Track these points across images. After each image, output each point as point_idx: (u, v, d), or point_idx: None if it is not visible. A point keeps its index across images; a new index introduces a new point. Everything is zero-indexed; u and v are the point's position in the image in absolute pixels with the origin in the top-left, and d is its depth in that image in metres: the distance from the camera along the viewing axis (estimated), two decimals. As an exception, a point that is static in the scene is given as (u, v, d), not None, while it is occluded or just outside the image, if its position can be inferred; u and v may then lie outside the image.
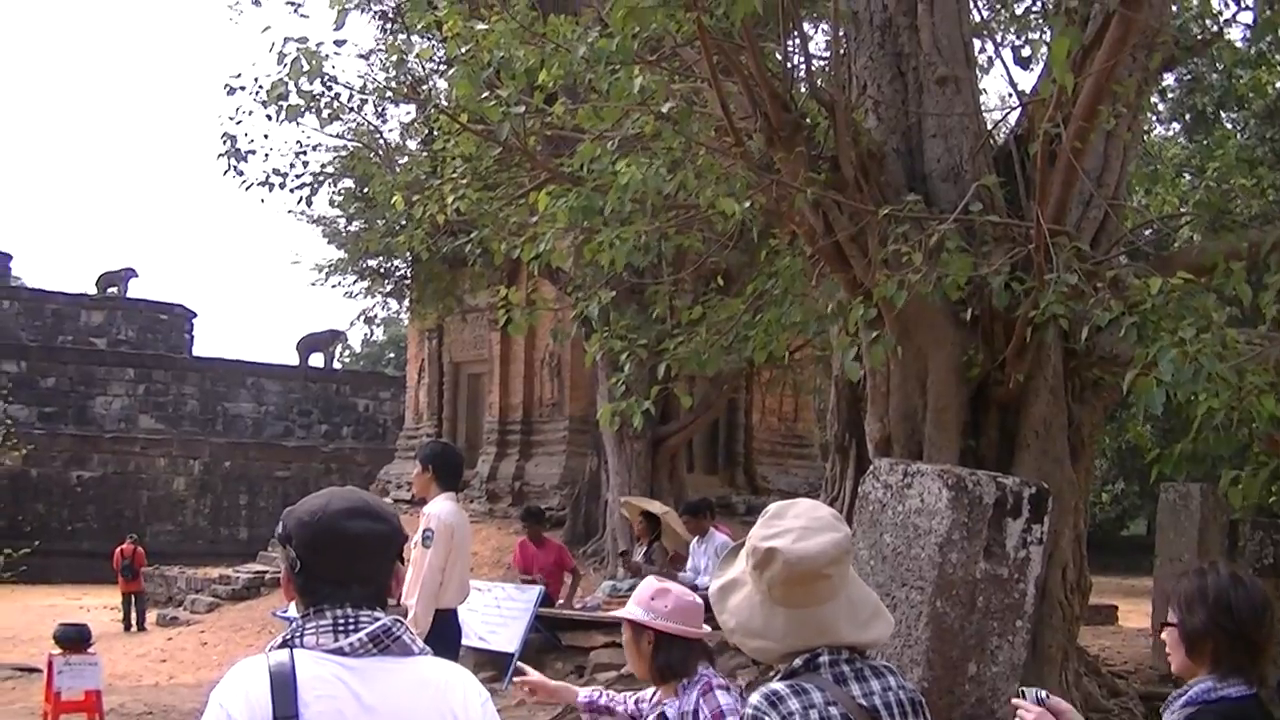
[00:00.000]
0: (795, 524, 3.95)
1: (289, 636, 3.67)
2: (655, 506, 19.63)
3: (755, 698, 3.83)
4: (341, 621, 3.65)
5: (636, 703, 6.58)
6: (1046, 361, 11.61)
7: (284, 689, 3.52)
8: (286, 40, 12.00)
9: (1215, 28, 14.16)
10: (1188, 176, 24.68)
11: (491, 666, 19.05)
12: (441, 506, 10.60)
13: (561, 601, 20.87)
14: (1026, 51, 12.98)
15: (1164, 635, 4.84)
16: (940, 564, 6.65)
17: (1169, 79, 23.28)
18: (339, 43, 11.98)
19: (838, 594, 3.96)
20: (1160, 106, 28.65)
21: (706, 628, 6.09)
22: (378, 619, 3.68)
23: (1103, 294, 9.81)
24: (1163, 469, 10.88)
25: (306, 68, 11.90)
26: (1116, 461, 43.27)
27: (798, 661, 3.92)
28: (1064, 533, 12.12)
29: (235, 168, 15.88)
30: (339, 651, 3.61)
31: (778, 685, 3.86)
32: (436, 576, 10.45)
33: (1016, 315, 10.47)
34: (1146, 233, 14.33)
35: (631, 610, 6.22)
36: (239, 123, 15.11)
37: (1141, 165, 13.80)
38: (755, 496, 31.51)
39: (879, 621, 4.07)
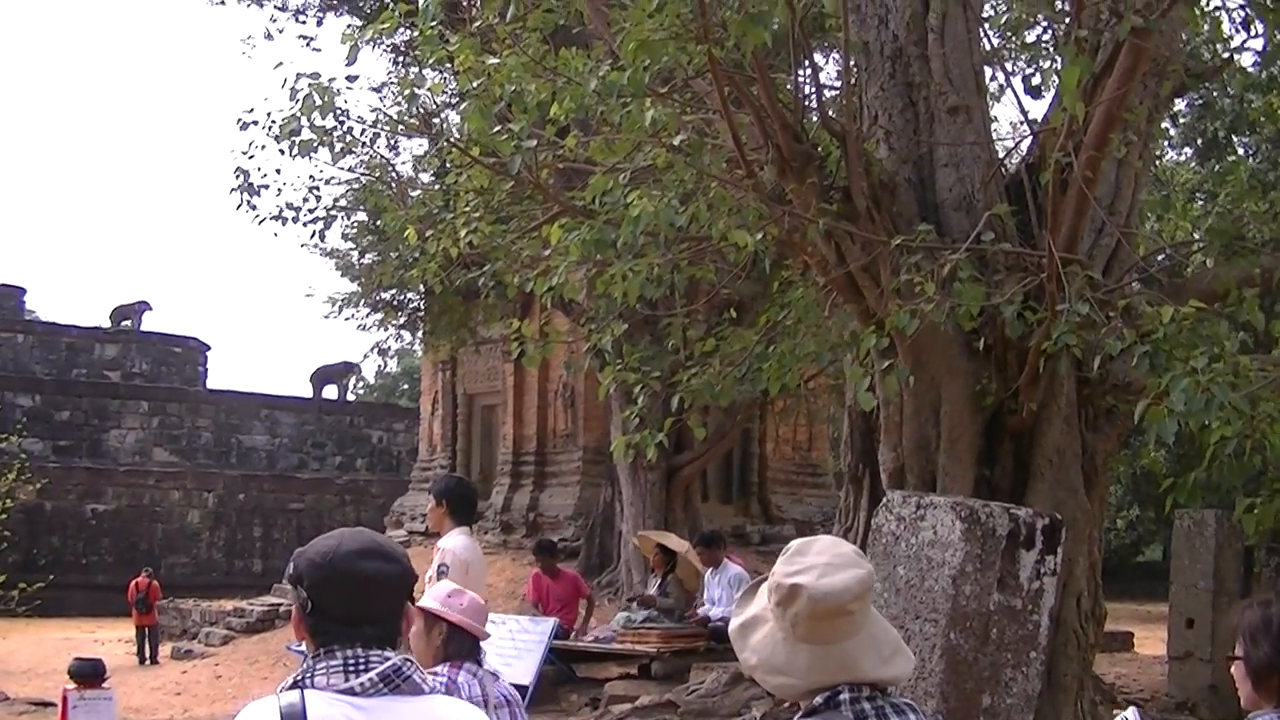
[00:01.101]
0: (819, 560, 3.94)
1: (300, 677, 3.69)
2: (673, 542, 19.67)
3: None
4: (352, 662, 3.66)
5: None
6: (1060, 390, 11.60)
7: None
8: (299, 76, 12.05)
9: (1226, 54, 14.18)
10: (1200, 201, 24.66)
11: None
12: (455, 541, 10.60)
13: (578, 628, 20.90)
14: (1037, 80, 12.96)
15: (1232, 669, 4.79)
16: (954, 596, 6.65)
17: (1181, 104, 23.28)
18: (351, 78, 12.04)
19: (860, 630, 3.94)
20: (1172, 132, 28.66)
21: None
22: (388, 658, 3.69)
23: (1115, 323, 9.79)
24: (1177, 498, 10.87)
25: (319, 103, 11.94)
26: (1131, 488, 43.18)
27: (818, 700, 3.90)
28: (1079, 561, 12.10)
29: (248, 202, 15.91)
30: (350, 691, 3.62)
31: None
32: None
33: (1029, 344, 10.47)
34: (1160, 259, 14.29)
35: (429, 603, 7.04)
36: (251, 157, 15.15)
37: (1153, 192, 13.76)
38: (769, 526, 31.51)
39: (901, 658, 4.05)
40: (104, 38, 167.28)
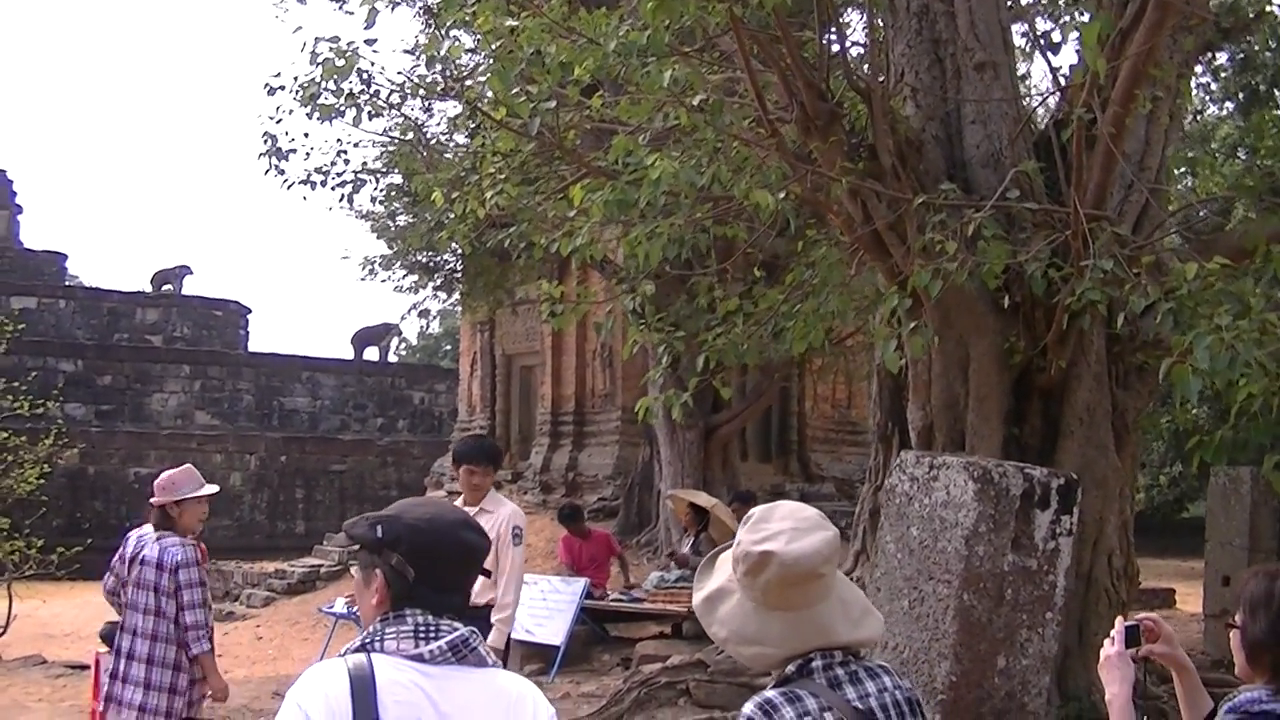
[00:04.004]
0: (784, 525, 3.91)
1: (368, 641, 3.68)
2: (703, 499, 19.65)
3: (748, 707, 3.79)
4: (423, 629, 3.68)
5: None
6: (1089, 348, 11.54)
7: (364, 693, 3.53)
8: (318, 40, 12.04)
9: (1263, 6, 14.06)
10: (1243, 156, 24.45)
11: (539, 659, 19.10)
12: (511, 504, 10.81)
13: (623, 586, 20.95)
14: (1057, 36, 12.88)
15: (1230, 636, 4.73)
16: (967, 557, 6.60)
17: (1222, 58, 23.11)
18: (370, 41, 11.96)
19: (830, 594, 3.92)
20: (1213, 86, 28.45)
21: None
22: (456, 628, 3.72)
23: (1141, 279, 9.70)
24: (1204, 455, 10.79)
25: (340, 66, 11.93)
26: (1173, 444, 42.90)
27: (790, 668, 3.87)
28: (1109, 519, 12.05)
29: (276, 166, 15.94)
30: (418, 658, 3.63)
31: (771, 694, 3.81)
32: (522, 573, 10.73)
33: (1056, 302, 10.39)
34: (1201, 214, 14.18)
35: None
36: (279, 122, 15.17)
37: (1182, 148, 13.63)
38: (809, 484, 31.50)
39: (871, 619, 4.02)
40: (143, 2, 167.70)
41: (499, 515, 10.82)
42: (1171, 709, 4.91)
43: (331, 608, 24.17)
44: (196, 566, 10.20)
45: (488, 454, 11.32)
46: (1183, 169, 17.04)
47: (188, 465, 10.91)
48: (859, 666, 3.92)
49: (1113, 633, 4.69)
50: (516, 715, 3.74)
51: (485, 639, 8.94)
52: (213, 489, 10.56)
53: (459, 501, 10.39)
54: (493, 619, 10.88)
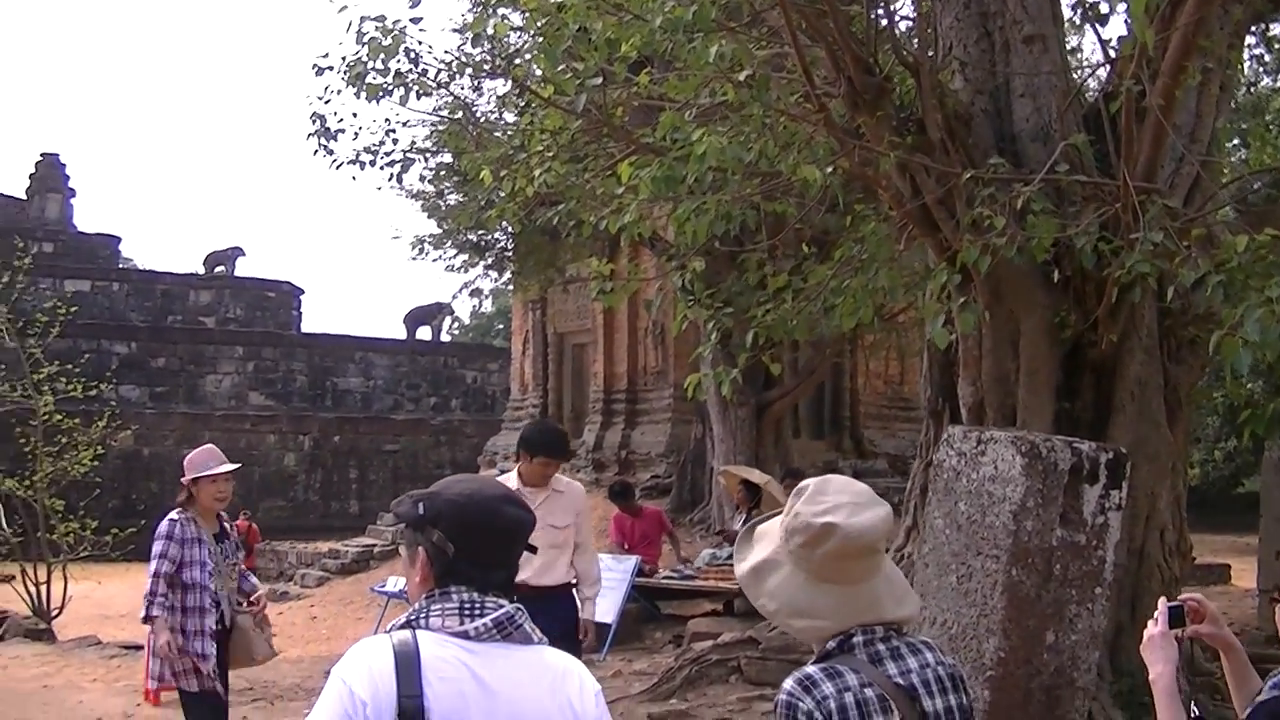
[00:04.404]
0: (843, 499, 3.89)
1: (413, 617, 3.69)
2: (755, 475, 19.61)
3: (788, 683, 3.77)
4: (469, 605, 3.67)
5: None
6: (1140, 321, 11.46)
7: (409, 668, 3.54)
8: (364, 20, 12.06)
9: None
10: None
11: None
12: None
13: (679, 559, 20.97)
14: (1105, 8, 12.77)
15: (1276, 610, 4.69)
16: (1015, 532, 6.56)
17: (1275, 28, 22.91)
18: (416, 20, 11.98)
19: (881, 570, 3.92)
20: (1266, 57, 28.19)
21: None
22: (502, 605, 3.71)
23: (1192, 252, 9.63)
24: (1255, 428, 10.72)
25: (387, 44, 11.96)
26: (1229, 419, 42.63)
27: (831, 644, 3.85)
28: (1162, 494, 11.98)
29: (325, 147, 15.96)
30: (463, 635, 3.63)
31: (810, 669, 3.79)
32: None
33: (1106, 275, 10.33)
34: (1254, 187, 14.08)
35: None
36: (327, 102, 15.18)
37: (1234, 120, 13.52)
38: (862, 460, 31.48)
39: (911, 598, 4.02)
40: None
41: (571, 493, 10.83)
42: (1224, 685, 4.86)
43: (384, 587, 24.26)
44: (166, 539, 10.35)
45: (565, 447, 11.35)
46: (1234, 141, 16.92)
47: (209, 445, 11.11)
48: (900, 642, 3.89)
49: (1156, 613, 4.65)
50: (562, 690, 3.74)
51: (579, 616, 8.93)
52: (228, 467, 10.68)
53: (514, 482, 10.36)
54: (585, 594, 10.96)
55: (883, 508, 3.90)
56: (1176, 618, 4.60)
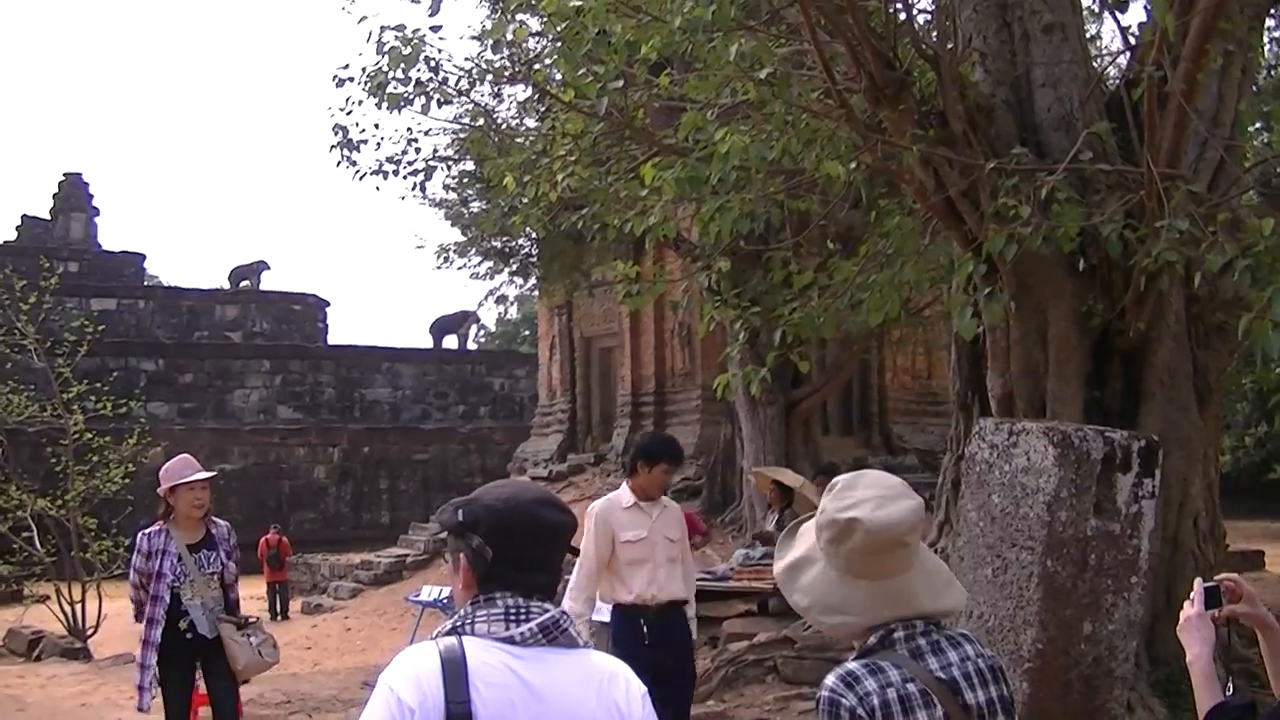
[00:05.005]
0: (870, 493, 3.88)
1: (459, 624, 3.69)
2: (789, 477, 19.56)
3: (830, 679, 3.75)
4: (514, 611, 3.67)
5: None
6: (1168, 308, 11.43)
7: (456, 675, 3.53)
8: (384, 29, 12.08)
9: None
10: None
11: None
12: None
13: (709, 567, 20.92)
14: (1126, -6, 12.73)
15: None
16: (1049, 523, 6.54)
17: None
18: (436, 28, 12.04)
19: (914, 563, 3.89)
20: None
21: None
22: (547, 609, 3.70)
23: (1218, 237, 9.59)
24: (1284, 413, 10.69)
25: (407, 53, 11.97)
26: (1258, 404, 42.48)
27: (872, 639, 3.83)
28: (1194, 481, 11.95)
29: (348, 158, 15.95)
30: (509, 640, 3.62)
31: (853, 665, 3.78)
32: None
33: (1133, 264, 10.30)
34: (1278, 169, 14.00)
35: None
36: (349, 113, 15.18)
37: (1256, 103, 13.46)
38: (892, 456, 31.44)
39: (953, 590, 3.98)
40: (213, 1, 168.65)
41: (674, 508, 10.84)
42: (1261, 671, 4.83)
43: (418, 596, 24.28)
44: (135, 553, 10.73)
45: (682, 453, 11.34)
46: (1257, 125, 16.85)
47: (184, 455, 11.20)
48: (941, 636, 3.88)
49: (1192, 594, 4.63)
50: (610, 694, 3.73)
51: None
52: (203, 475, 10.78)
53: (628, 497, 10.44)
54: (689, 614, 11.01)
55: (911, 500, 3.88)
56: (1213, 599, 4.57)
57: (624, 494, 10.50)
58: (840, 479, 4.02)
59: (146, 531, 10.73)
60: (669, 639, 10.35)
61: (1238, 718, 4.36)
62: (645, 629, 10.31)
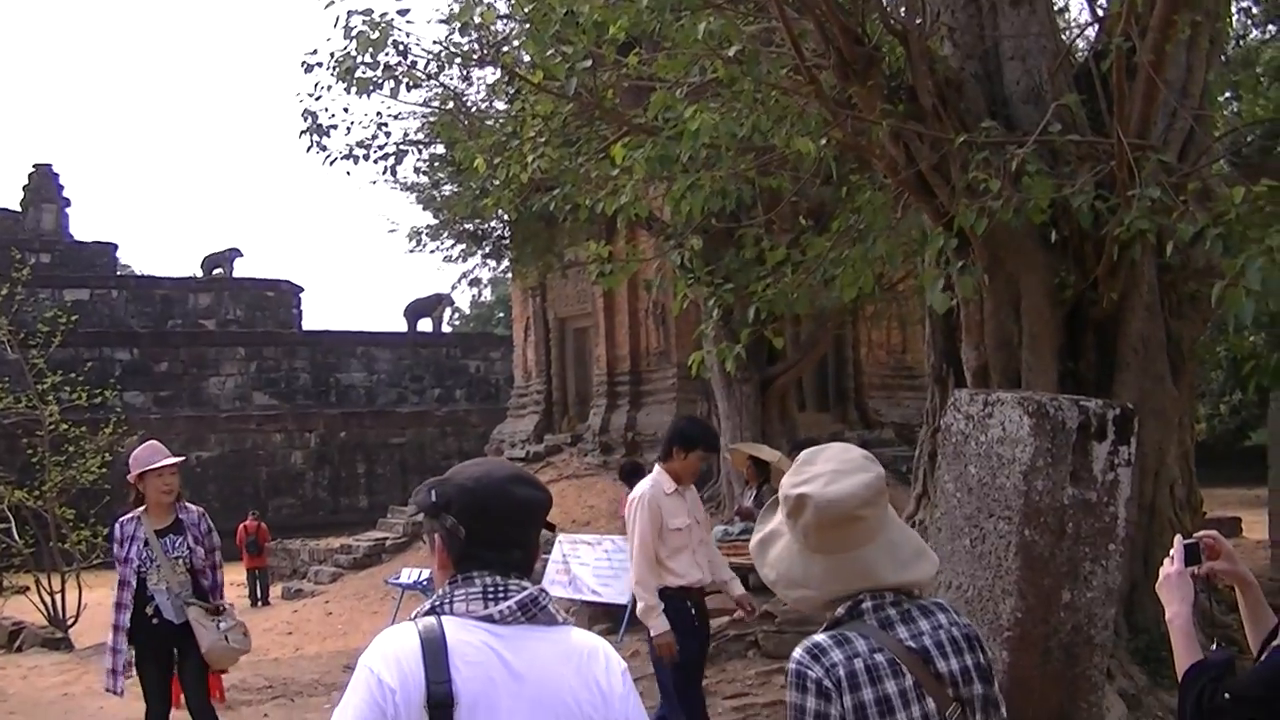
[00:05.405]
0: (826, 468, 3.87)
1: (437, 604, 3.68)
2: (765, 453, 19.58)
3: (798, 652, 3.75)
4: (491, 589, 3.66)
5: None
6: (1141, 278, 11.47)
7: (436, 655, 3.53)
8: (351, 14, 12.06)
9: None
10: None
11: (606, 618, 19.13)
12: None
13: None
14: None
15: None
16: (1026, 492, 6.56)
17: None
18: (403, 11, 11.97)
19: (875, 536, 3.86)
20: (1254, 10, 28.14)
21: None
22: (525, 588, 3.69)
23: (1189, 207, 9.61)
24: (1260, 380, 10.74)
25: (375, 36, 11.95)
26: (1232, 372, 42.55)
27: (840, 610, 3.83)
28: (1169, 449, 12.01)
29: (318, 143, 15.89)
30: (488, 619, 3.62)
31: (820, 637, 3.77)
32: None
33: (1105, 234, 10.33)
34: (1247, 139, 14.07)
35: None
36: (318, 99, 15.13)
37: (1225, 73, 13.49)
38: (869, 431, 31.46)
39: (923, 561, 3.96)
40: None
41: (693, 491, 10.76)
42: (1240, 636, 4.86)
43: (398, 579, 24.28)
44: (112, 541, 10.78)
45: (717, 439, 11.27)
46: (1227, 94, 16.91)
47: (151, 441, 11.20)
48: (912, 605, 3.86)
49: (1172, 551, 4.65)
50: (590, 670, 3.72)
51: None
52: (171, 460, 10.75)
53: (667, 483, 10.36)
54: (727, 575, 11.15)
55: (866, 475, 3.86)
56: (1192, 556, 4.60)
57: (663, 479, 10.39)
58: (804, 453, 4.02)
59: (121, 519, 10.75)
60: (705, 620, 10.47)
61: (1218, 675, 4.39)
62: (694, 611, 10.38)
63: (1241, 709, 4.32)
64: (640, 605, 10.19)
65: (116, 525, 10.74)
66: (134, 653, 10.73)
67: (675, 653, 9.99)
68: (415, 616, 3.67)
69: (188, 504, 11.00)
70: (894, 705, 3.70)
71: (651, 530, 10.12)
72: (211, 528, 11.11)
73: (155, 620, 10.67)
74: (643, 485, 10.48)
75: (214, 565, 11.09)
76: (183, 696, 11.05)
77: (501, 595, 3.65)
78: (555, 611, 3.73)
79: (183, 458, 11.17)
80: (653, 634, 10.07)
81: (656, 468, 10.62)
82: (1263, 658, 4.51)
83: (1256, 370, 10.65)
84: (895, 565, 3.87)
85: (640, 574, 10.18)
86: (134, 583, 10.59)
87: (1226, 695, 4.33)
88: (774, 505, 4.14)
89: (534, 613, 3.66)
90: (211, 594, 10.93)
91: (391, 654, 3.56)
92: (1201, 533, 4.65)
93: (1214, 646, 4.54)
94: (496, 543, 3.71)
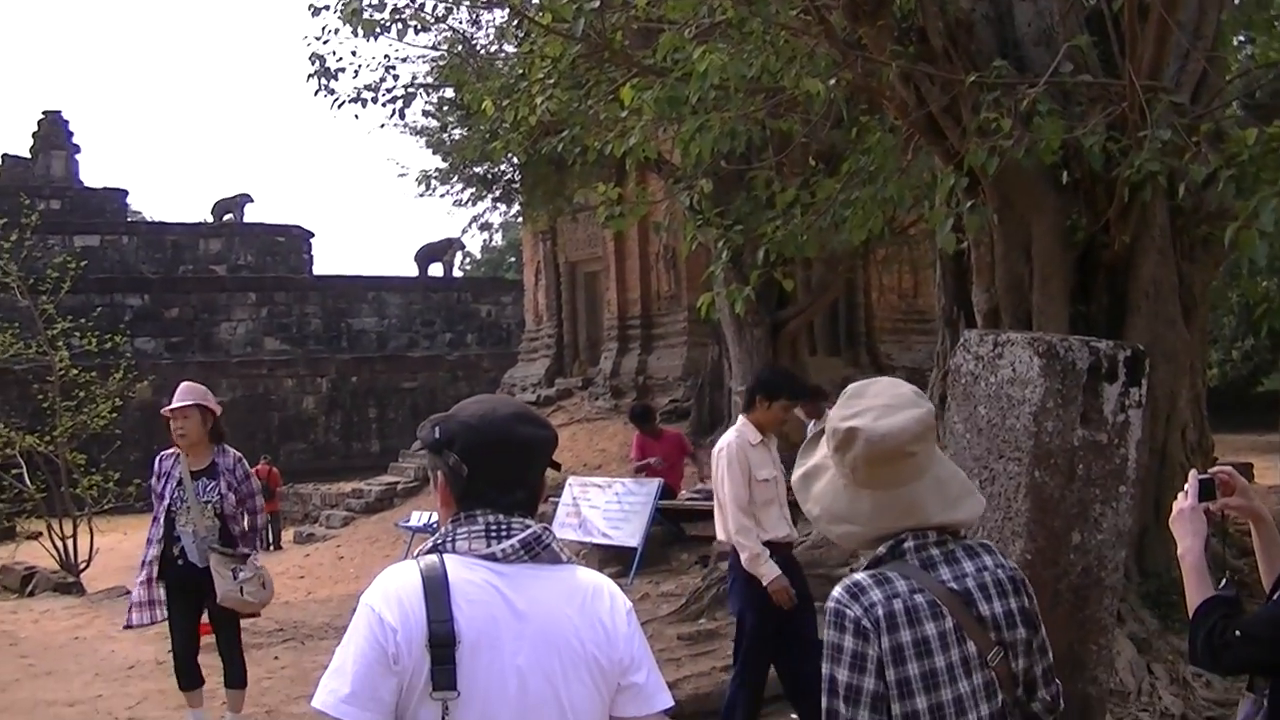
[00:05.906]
0: (876, 402, 3.82)
1: (439, 542, 3.65)
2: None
3: (837, 590, 3.71)
4: (494, 527, 3.63)
5: None
6: (1153, 221, 11.40)
7: (437, 593, 3.50)
8: (356, -45, 12.03)
9: None
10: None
11: (617, 561, 19.16)
12: None
13: (697, 486, 20.89)
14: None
15: None
16: (1036, 433, 6.51)
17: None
18: (407, -48, 11.99)
19: (923, 473, 3.82)
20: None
21: None
22: (528, 526, 3.67)
23: (1201, 149, 9.54)
24: (1272, 323, 10.68)
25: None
26: (1244, 318, 42.40)
27: (882, 549, 3.79)
28: (1181, 393, 11.96)
29: (326, 87, 15.89)
30: (491, 557, 3.59)
31: (860, 576, 3.74)
32: None
33: (1116, 175, 10.26)
34: (1261, 81, 13.92)
35: None
36: (325, 42, 15.13)
37: (1238, 14, 13.36)
38: (880, 375, 31.40)
39: (970, 500, 3.93)
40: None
41: (773, 443, 10.58)
42: (1253, 581, 4.84)
43: (409, 522, 24.32)
44: (151, 473, 10.93)
45: (804, 388, 11.04)
46: (1240, 37, 16.76)
47: (185, 382, 11.17)
48: (957, 546, 3.83)
49: (1186, 486, 4.61)
50: (594, 609, 3.69)
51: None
52: (176, 404, 10.73)
53: (753, 434, 10.14)
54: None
55: (917, 410, 3.82)
56: (1206, 491, 4.56)
57: (748, 430, 10.18)
58: (851, 386, 3.97)
59: (162, 453, 10.74)
60: (792, 575, 10.15)
61: (1228, 612, 4.36)
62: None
63: (1250, 647, 4.31)
64: (745, 556, 9.84)
65: (156, 459, 10.75)
66: (165, 592, 10.74)
67: (792, 595, 9.82)
68: (417, 555, 3.65)
69: (226, 447, 10.96)
70: (933, 648, 3.67)
71: (739, 481, 9.89)
72: (249, 473, 11.09)
73: (180, 562, 10.68)
74: (728, 436, 10.27)
75: (251, 510, 11.09)
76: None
77: (504, 533, 3.63)
78: (559, 550, 3.71)
79: (189, 401, 10.96)
80: (765, 582, 9.79)
81: (740, 418, 10.43)
82: (1275, 596, 4.49)
83: (1269, 314, 10.57)
84: (943, 503, 3.84)
85: (739, 523, 9.89)
86: (163, 520, 10.60)
87: (1237, 632, 4.31)
88: (814, 441, 4.09)
89: (537, 551, 3.64)
90: (241, 541, 10.88)
91: (393, 592, 3.54)
92: (1216, 468, 4.62)
93: (1222, 583, 4.52)
94: (500, 481, 3.68)
